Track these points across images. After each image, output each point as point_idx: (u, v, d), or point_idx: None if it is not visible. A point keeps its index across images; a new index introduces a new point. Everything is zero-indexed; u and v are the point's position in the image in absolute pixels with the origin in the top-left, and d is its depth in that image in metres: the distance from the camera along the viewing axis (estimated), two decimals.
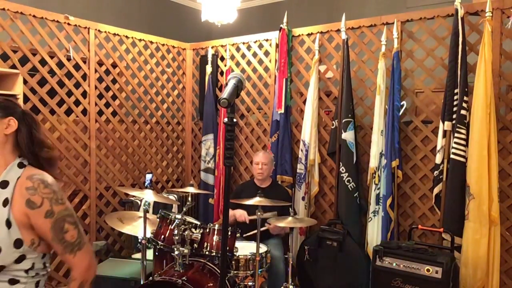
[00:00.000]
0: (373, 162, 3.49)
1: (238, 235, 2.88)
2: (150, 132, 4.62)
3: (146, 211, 2.87)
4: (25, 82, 3.48)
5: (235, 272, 2.94)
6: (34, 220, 1.36)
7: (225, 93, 1.38)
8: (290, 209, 3.20)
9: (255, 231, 2.95)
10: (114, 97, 4.24)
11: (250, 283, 2.98)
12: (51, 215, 1.37)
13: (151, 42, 4.57)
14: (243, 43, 4.46)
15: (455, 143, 3.10)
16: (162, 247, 2.81)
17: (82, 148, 3.98)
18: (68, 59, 3.84)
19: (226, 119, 1.40)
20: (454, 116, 3.15)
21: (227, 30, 4.71)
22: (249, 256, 2.93)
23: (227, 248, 2.73)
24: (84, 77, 3.97)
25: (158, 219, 2.94)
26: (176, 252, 2.69)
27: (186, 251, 2.70)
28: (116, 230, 3.38)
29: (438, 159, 3.25)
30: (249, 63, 4.46)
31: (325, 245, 3.52)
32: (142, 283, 2.84)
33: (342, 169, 3.63)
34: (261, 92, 4.40)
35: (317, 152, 3.90)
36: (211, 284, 2.72)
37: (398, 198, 3.55)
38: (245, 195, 3.48)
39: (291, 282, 3.22)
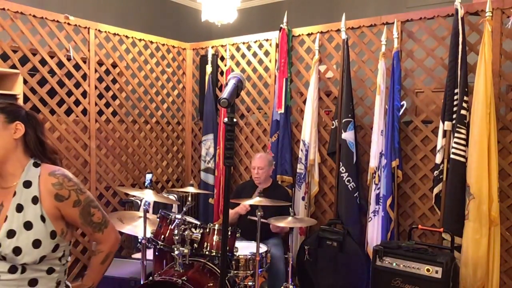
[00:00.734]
0: (373, 162, 3.49)
1: (238, 235, 2.88)
2: (150, 132, 4.62)
3: (146, 211, 2.87)
4: (25, 82, 3.49)
5: (235, 272, 2.93)
6: (64, 211, 1.53)
7: (225, 93, 1.38)
8: (290, 209, 3.20)
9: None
10: (114, 97, 4.24)
11: (250, 283, 2.98)
12: (78, 204, 1.54)
13: (151, 42, 4.57)
14: (243, 43, 4.46)
15: (455, 143, 3.09)
16: (162, 247, 2.81)
17: (82, 148, 3.98)
18: (68, 59, 3.84)
19: (226, 119, 1.40)
20: (454, 116, 3.15)
21: (227, 30, 4.71)
22: (249, 256, 2.93)
23: (227, 248, 2.73)
24: (84, 77, 3.98)
25: (158, 219, 2.94)
26: (176, 252, 2.69)
27: (186, 251, 2.70)
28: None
29: (438, 159, 3.24)
30: (249, 63, 4.45)
31: (325, 245, 3.52)
32: (142, 283, 2.84)
33: (342, 169, 3.63)
34: (261, 92, 4.40)
35: (317, 152, 3.89)
36: (211, 284, 2.72)
37: (398, 198, 3.55)
38: (245, 195, 3.48)
39: (291, 282, 3.22)
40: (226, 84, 1.45)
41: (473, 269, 2.96)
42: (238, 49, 4.52)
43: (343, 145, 3.63)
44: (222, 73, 4.65)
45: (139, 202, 4.02)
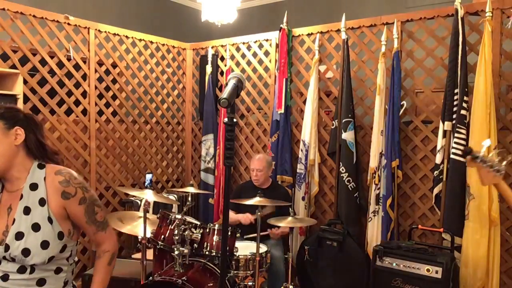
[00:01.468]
0: (373, 162, 3.49)
1: (238, 235, 2.87)
2: (150, 132, 4.62)
3: (146, 211, 2.87)
4: (25, 82, 3.48)
5: (235, 272, 2.93)
6: (69, 208, 1.55)
7: (225, 93, 1.38)
8: (290, 209, 3.20)
9: (255, 234, 2.96)
10: (114, 97, 4.24)
11: (250, 283, 2.97)
12: (84, 201, 1.57)
13: (151, 42, 4.57)
14: (243, 43, 4.46)
15: (455, 143, 3.09)
16: (162, 247, 2.81)
17: (82, 148, 3.98)
18: (68, 59, 3.84)
19: (226, 119, 1.40)
20: (454, 116, 3.15)
21: (227, 30, 4.71)
22: (249, 256, 2.93)
23: (227, 248, 2.73)
24: (84, 77, 3.97)
25: (158, 219, 2.94)
26: (176, 252, 2.69)
27: (186, 251, 2.70)
28: (116, 230, 3.37)
29: (438, 159, 3.25)
30: (249, 63, 4.45)
31: (325, 245, 3.52)
32: (142, 283, 2.84)
33: (342, 169, 3.63)
34: (261, 92, 4.40)
35: (317, 152, 3.90)
36: (211, 284, 2.72)
37: (398, 198, 3.55)
38: (245, 195, 3.48)
39: (291, 282, 3.22)
40: (226, 84, 1.45)
41: (473, 269, 2.96)
42: (238, 49, 4.52)
43: (343, 145, 3.63)
44: (222, 73, 4.65)
45: (139, 202, 4.01)
